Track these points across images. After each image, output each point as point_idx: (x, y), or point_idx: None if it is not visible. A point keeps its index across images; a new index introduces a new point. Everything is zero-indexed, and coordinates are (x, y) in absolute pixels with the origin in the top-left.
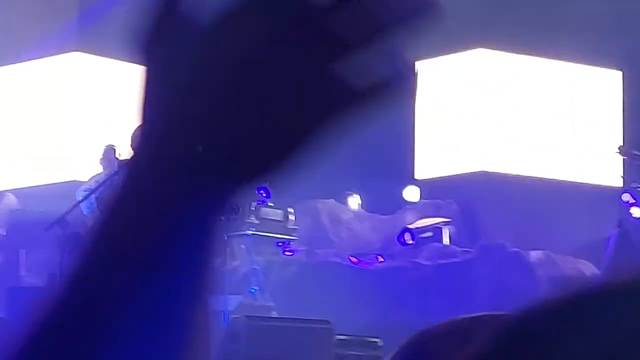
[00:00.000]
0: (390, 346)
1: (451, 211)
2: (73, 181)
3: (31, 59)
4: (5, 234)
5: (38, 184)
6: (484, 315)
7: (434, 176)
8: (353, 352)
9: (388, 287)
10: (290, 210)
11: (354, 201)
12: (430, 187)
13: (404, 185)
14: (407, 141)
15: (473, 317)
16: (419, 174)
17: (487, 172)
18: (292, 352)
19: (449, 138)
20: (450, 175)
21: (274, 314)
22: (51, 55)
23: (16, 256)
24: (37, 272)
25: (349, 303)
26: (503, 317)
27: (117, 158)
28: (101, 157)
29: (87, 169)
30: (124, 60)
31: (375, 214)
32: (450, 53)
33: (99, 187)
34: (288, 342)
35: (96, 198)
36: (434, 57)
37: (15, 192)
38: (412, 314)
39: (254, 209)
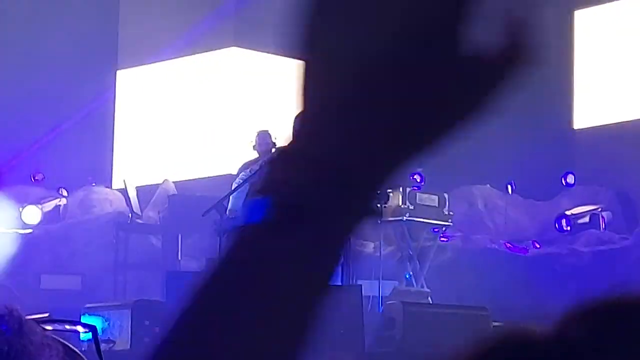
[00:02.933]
0: None
1: (608, 197)
2: (228, 174)
3: (189, 54)
4: (163, 218)
5: (195, 177)
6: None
7: (591, 125)
8: None
9: (544, 274)
10: (446, 195)
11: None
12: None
13: (562, 172)
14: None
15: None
16: (577, 124)
17: None
18: (448, 339)
19: (606, 87)
20: (606, 125)
21: (430, 300)
22: (209, 50)
23: (174, 241)
24: (195, 256)
25: (505, 289)
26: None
27: (273, 143)
28: (255, 142)
29: (242, 159)
30: (280, 55)
31: (530, 199)
32: (609, 1)
33: (255, 173)
34: (443, 329)
35: (251, 184)
36: (592, 5)
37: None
38: (569, 301)
39: (408, 194)
